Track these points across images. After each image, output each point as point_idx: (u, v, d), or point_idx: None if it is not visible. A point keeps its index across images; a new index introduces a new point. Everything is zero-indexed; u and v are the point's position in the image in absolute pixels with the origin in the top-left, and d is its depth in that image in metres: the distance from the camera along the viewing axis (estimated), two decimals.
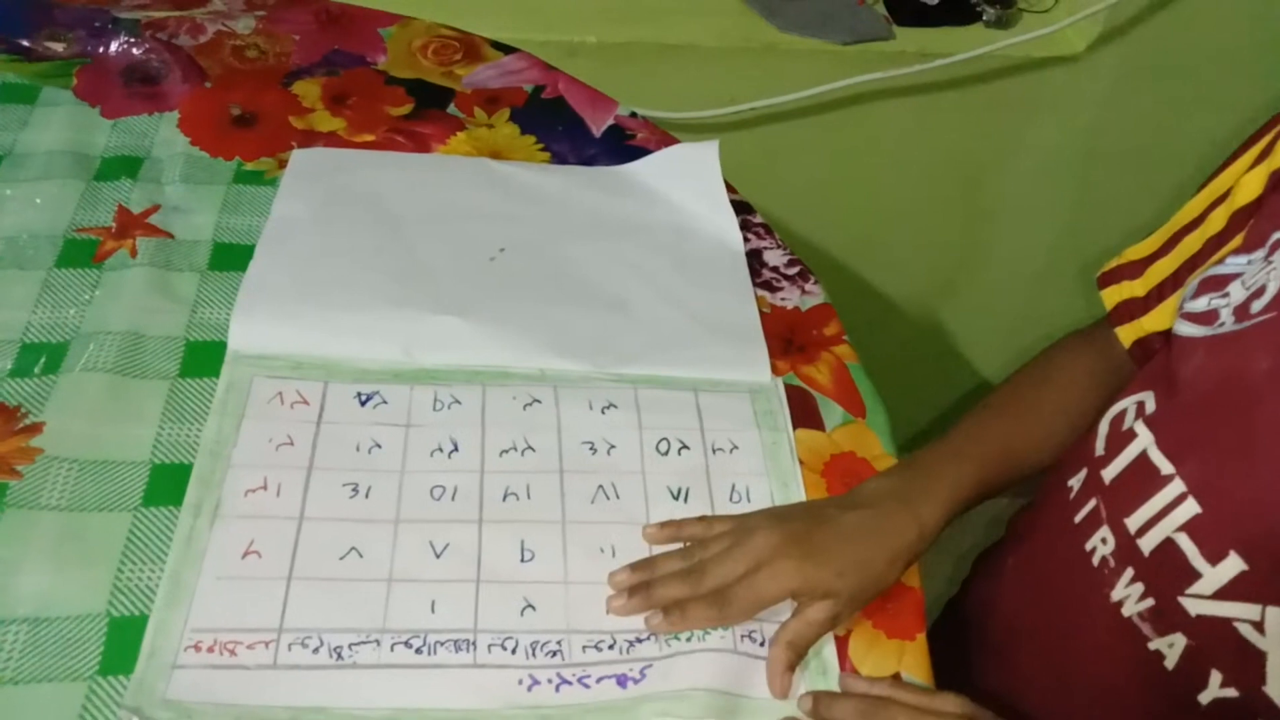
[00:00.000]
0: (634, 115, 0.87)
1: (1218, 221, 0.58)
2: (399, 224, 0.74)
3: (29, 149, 0.76)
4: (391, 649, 0.52)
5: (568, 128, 0.85)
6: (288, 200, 0.74)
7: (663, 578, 0.55)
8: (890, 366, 0.75)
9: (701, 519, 0.59)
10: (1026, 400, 0.66)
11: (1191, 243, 0.60)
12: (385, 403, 0.63)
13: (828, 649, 0.56)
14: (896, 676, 0.56)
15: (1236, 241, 0.57)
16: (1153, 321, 0.62)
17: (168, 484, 0.58)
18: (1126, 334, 0.64)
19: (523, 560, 0.57)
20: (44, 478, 0.57)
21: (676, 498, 0.61)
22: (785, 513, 0.59)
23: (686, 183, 0.79)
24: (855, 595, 0.55)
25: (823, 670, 0.55)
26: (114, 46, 0.84)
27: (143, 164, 0.76)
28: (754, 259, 0.76)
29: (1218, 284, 0.55)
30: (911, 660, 0.57)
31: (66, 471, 0.57)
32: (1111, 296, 0.64)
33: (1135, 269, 0.64)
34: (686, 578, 0.55)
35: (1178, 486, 0.51)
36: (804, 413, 0.67)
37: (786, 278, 0.76)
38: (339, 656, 0.52)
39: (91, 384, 0.61)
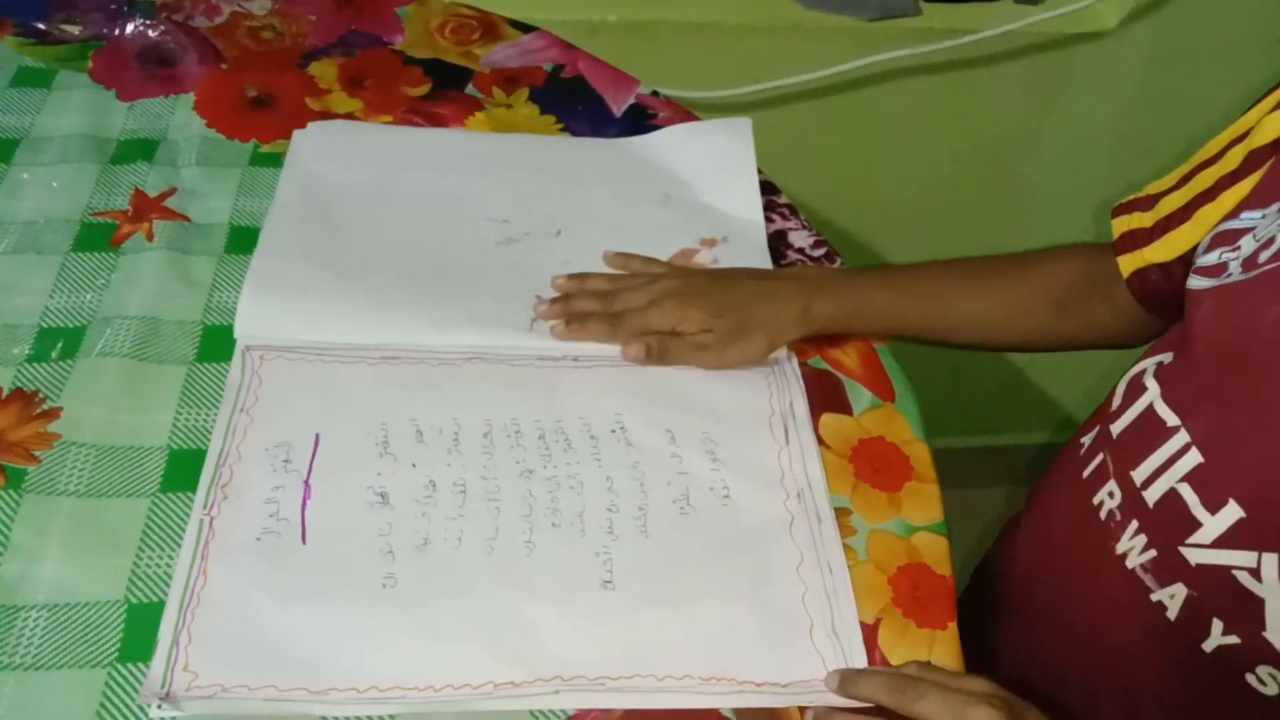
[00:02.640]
0: (655, 94, 0.85)
1: (1233, 160, 0.58)
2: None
3: (46, 133, 0.76)
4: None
5: (588, 107, 0.83)
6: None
7: (583, 294, 0.67)
8: (918, 348, 0.74)
9: (648, 259, 0.70)
10: (989, 270, 0.68)
11: (1205, 178, 0.59)
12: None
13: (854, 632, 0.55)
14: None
15: (1247, 184, 0.56)
16: (1155, 252, 0.62)
17: (186, 469, 0.57)
18: (1127, 263, 0.63)
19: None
20: (62, 463, 0.56)
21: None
22: (698, 271, 0.70)
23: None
24: (724, 337, 0.65)
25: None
26: (129, 29, 0.84)
27: (159, 147, 0.76)
28: (779, 240, 0.75)
29: (1230, 238, 0.55)
30: (942, 650, 0.55)
31: (84, 457, 0.57)
32: (1120, 226, 0.64)
33: (1148, 202, 0.63)
34: (601, 298, 0.66)
35: (1182, 438, 0.52)
36: (831, 397, 0.66)
37: (812, 259, 0.74)
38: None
39: (109, 369, 0.61)
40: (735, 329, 0.65)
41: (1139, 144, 1.21)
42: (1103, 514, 0.56)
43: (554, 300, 0.67)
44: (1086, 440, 0.60)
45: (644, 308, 0.65)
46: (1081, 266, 0.67)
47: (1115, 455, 0.56)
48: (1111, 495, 0.56)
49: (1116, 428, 0.56)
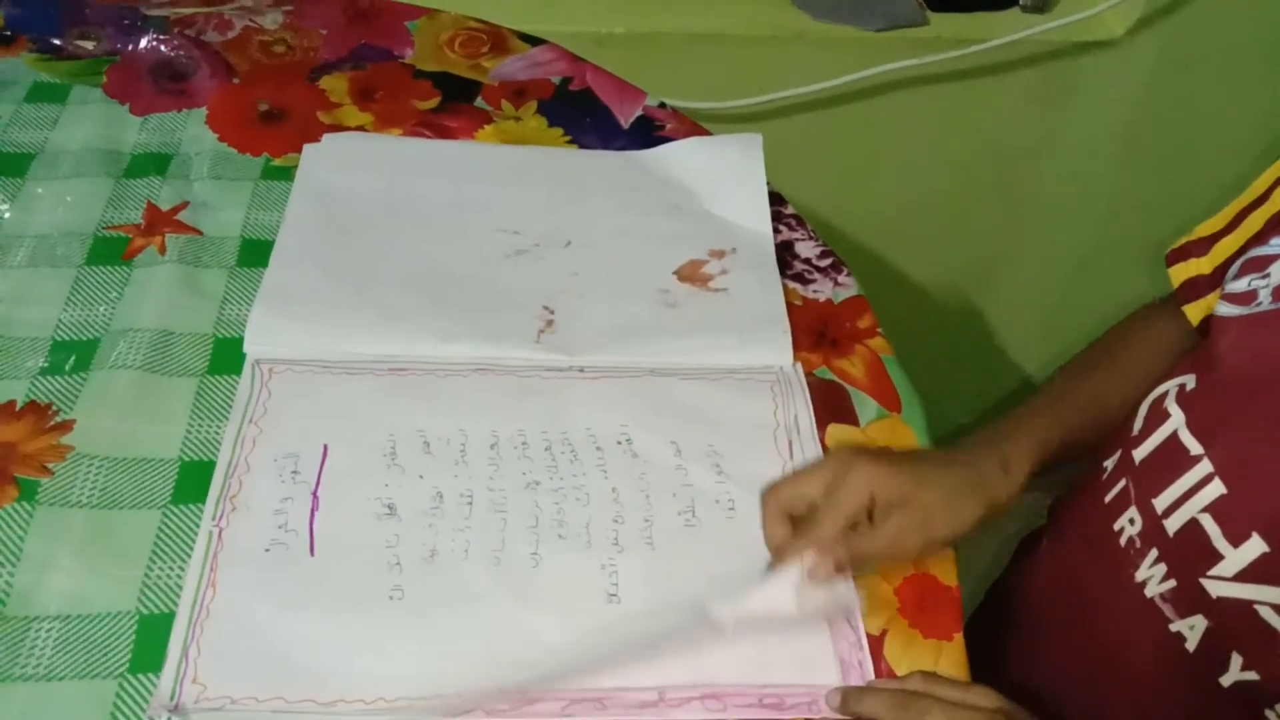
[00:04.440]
0: (663, 106, 0.86)
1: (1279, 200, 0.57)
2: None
3: (60, 147, 0.77)
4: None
5: (595, 119, 0.84)
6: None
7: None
8: (925, 359, 0.74)
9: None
10: (1116, 356, 0.65)
11: (1255, 220, 0.59)
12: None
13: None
14: None
15: None
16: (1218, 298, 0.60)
17: (197, 481, 0.58)
18: (1194, 312, 0.62)
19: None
20: (74, 475, 0.57)
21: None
22: (890, 453, 0.57)
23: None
24: (944, 541, 0.54)
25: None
26: (143, 44, 0.85)
27: (171, 161, 0.77)
28: (786, 251, 0.75)
29: (1260, 265, 0.54)
30: (948, 661, 0.55)
31: (96, 469, 0.58)
32: (1179, 274, 0.63)
33: (1203, 246, 0.62)
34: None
35: (1205, 467, 0.51)
36: (837, 407, 0.66)
37: (819, 269, 0.74)
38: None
39: (121, 381, 0.61)
40: (953, 529, 0.55)
41: (1145, 152, 1.21)
42: (1123, 540, 0.56)
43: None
44: (1109, 464, 0.60)
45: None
46: (1169, 332, 0.64)
47: (1137, 481, 0.56)
48: (1132, 522, 0.55)
49: (1139, 454, 0.56)
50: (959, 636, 0.56)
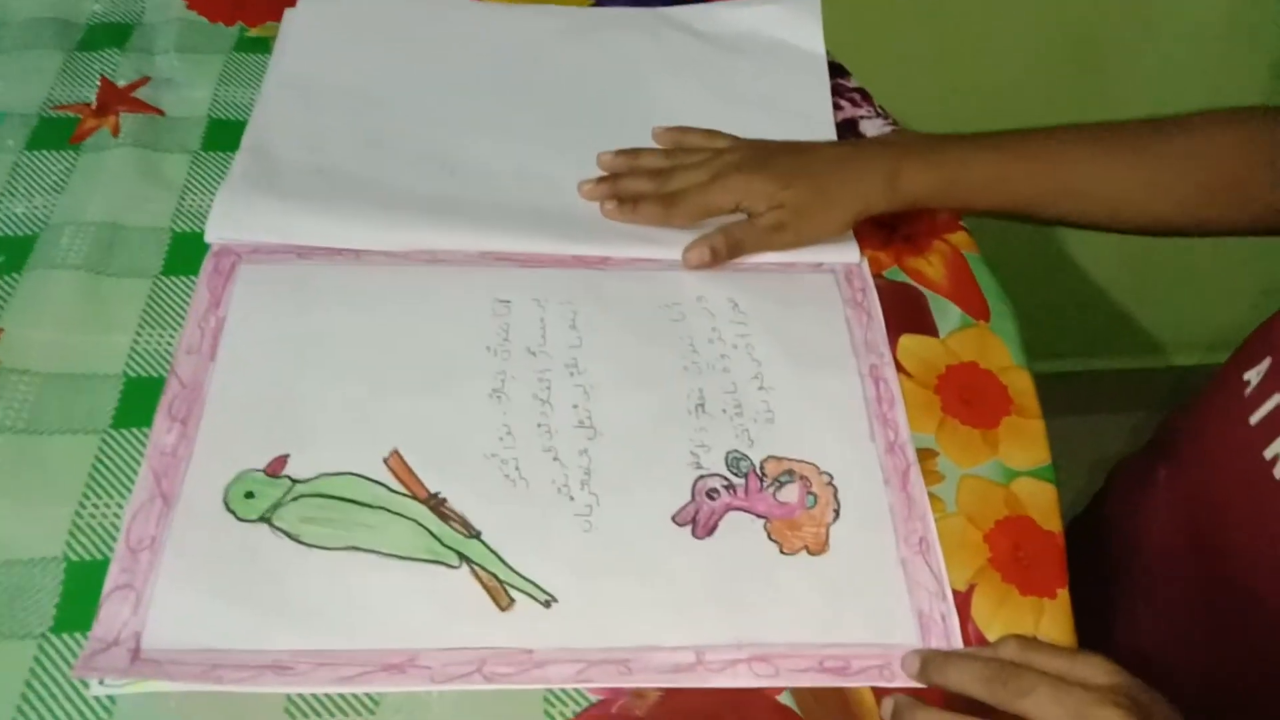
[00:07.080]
0: None
1: None
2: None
3: (5, 17, 0.68)
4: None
5: None
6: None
7: (634, 172, 0.59)
8: (1015, 261, 0.63)
9: (708, 132, 0.61)
10: (1122, 136, 0.57)
11: None
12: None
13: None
14: None
15: None
16: None
17: (143, 401, 0.49)
18: None
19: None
20: None
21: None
22: (768, 141, 0.60)
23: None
24: (800, 209, 0.56)
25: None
26: None
27: (133, 32, 0.68)
28: (849, 129, 0.64)
29: None
30: (1051, 623, 0.46)
31: (26, 386, 0.49)
32: None
33: None
34: (655, 177, 0.58)
35: None
36: (913, 314, 0.56)
37: None
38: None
39: (60, 284, 0.53)
40: (811, 198, 0.56)
41: (1258, 37, 1.06)
42: (1277, 471, 0.46)
43: (601, 179, 0.59)
44: (1253, 376, 0.49)
45: (704, 184, 0.57)
46: (1245, 136, 0.55)
47: None
48: None
49: None
50: (1064, 593, 0.47)
